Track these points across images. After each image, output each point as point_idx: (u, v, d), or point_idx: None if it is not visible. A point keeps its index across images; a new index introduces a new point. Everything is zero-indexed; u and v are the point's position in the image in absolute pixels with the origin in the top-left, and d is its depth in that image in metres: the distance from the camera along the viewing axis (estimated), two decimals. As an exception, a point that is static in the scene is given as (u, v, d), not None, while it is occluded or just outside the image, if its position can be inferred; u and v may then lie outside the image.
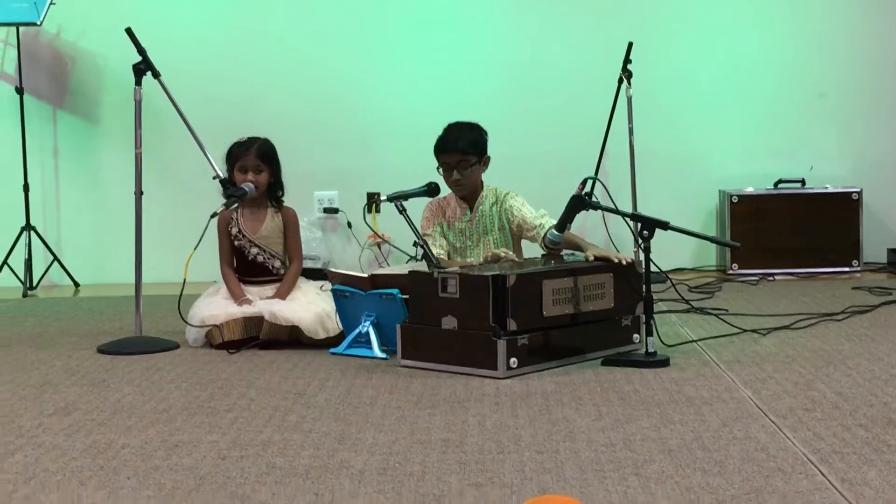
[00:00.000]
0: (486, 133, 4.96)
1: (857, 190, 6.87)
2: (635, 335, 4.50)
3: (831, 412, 3.46)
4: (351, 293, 4.64)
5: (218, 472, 2.98)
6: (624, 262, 4.45)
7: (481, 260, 4.80)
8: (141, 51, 5.03)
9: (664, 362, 4.21)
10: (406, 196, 4.85)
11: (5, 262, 6.82)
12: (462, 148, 4.85)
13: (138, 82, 4.98)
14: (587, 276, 4.36)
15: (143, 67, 5.00)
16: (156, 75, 5.05)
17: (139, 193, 4.95)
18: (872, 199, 6.99)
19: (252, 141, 5.05)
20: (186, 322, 4.85)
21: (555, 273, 4.29)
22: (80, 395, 3.94)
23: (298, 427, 3.43)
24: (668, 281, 5.33)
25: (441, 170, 4.91)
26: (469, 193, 4.94)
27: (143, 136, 5.01)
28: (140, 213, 4.95)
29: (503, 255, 4.69)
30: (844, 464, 2.92)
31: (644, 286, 4.28)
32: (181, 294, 4.74)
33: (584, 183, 4.50)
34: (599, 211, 4.64)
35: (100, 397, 3.91)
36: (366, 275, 4.70)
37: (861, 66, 7.16)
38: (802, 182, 6.99)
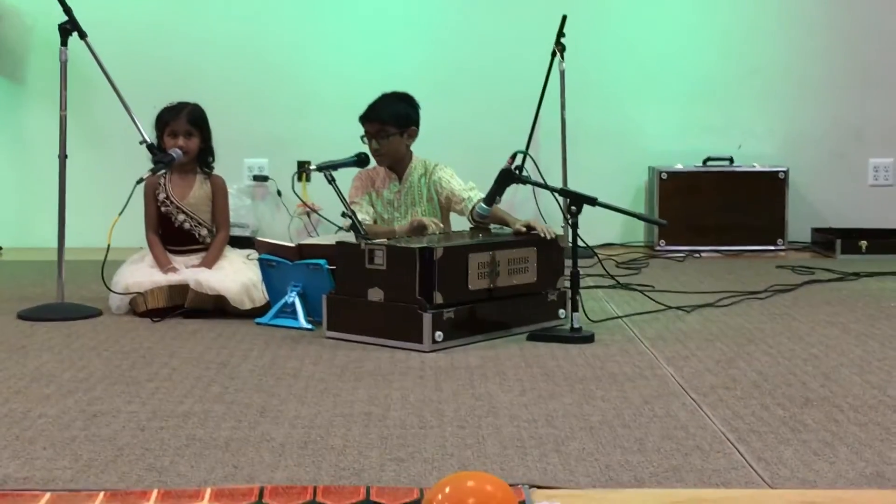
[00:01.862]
0: (415, 105, 4.94)
1: (784, 169, 6.95)
2: (561, 310, 4.52)
3: (751, 391, 3.50)
4: (278, 263, 4.61)
5: (136, 443, 2.95)
6: (548, 237, 4.47)
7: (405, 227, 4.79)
8: (67, 10, 4.94)
9: (589, 338, 4.23)
10: (335, 166, 4.84)
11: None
12: (382, 118, 4.84)
13: (64, 42, 4.88)
14: (511, 249, 4.36)
15: (70, 27, 4.92)
16: (82, 36, 4.96)
17: (63, 156, 4.87)
18: (799, 178, 7.08)
19: (182, 105, 4.99)
20: (110, 289, 4.79)
21: (480, 247, 4.29)
22: (-2, 362, 3.88)
23: (220, 398, 3.40)
24: (596, 256, 5.37)
25: (364, 138, 4.89)
26: (394, 164, 4.93)
27: (70, 99, 4.92)
28: (64, 176, 4.87)
29: (429, 223, 4.67)
30: (761, 443, 2.96)
31: (572, 261, 4.30)
32: (105, 260, 4.68)
33: (513, 157, 4.49)
34: (529, 185, 4.64)
35: (18, 364, 3.85)
36: (293, 244, 4.67)
37: (791, 46, 7.23)
38: (731, 160, 7.06)
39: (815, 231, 7.07)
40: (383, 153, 4.87)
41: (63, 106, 4.88)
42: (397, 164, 4.93)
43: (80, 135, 6.32)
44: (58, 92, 4.89)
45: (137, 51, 6.90)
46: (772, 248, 6.90)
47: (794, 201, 7.00)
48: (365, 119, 4.87)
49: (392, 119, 4.84)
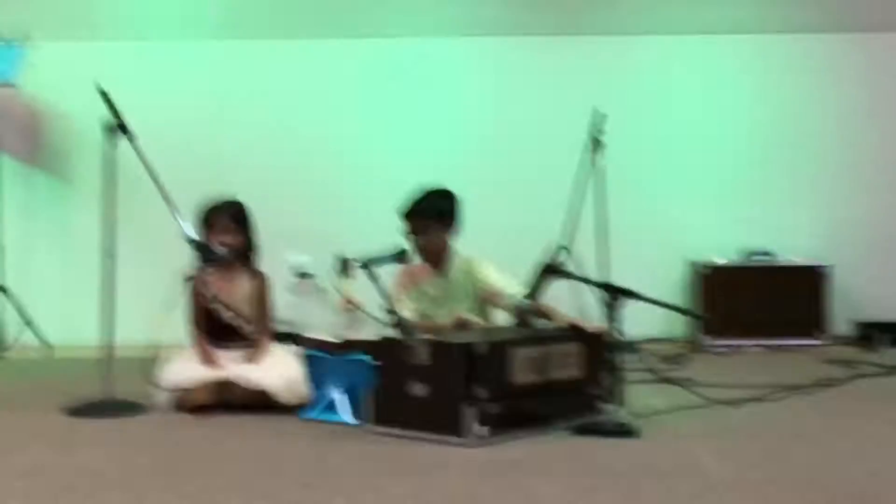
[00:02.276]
0: (457, 201, 4.98)
1: (826, 264, 6.92)
2: (605, 405, 4.50)
3: (798, 487, 3.46)
4: (322, 358, 4.63)
5: (183, 538, 2.96)
6: (593, 332, 4.47)
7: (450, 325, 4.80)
8: (115, 112, 5.04)
9: (633, 433, 4.21)
10: (377, 262, 4.86)
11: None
12: (426, 214, 4.88)
13: (111, 143, 4.98)
14: (556, 344, 4.37)
15: (117, 128, 5.01)
16: (129, 137, 5.05)
17: (110, 255, 4.94)
18: (842, 271, 7.05)
19: (226, 204, 5.06)
20: (157, 385, 4.82)
21: (525, 341, 4.30)
22: (46, 458, 3.91)
23: (266, 495, 3.41)
24: (638, 351, 5.35)
25: (407, 234, 4.93)
26: (436, 260, 4.95)
27: (116, 197, 5.00)
28: (111, 274, 4.93)
29: (471, 320, 4.69)
30: (810, 538, 2.93)
31: (614, 356, 4.29)
32: (152, 357, 4.71)
33: (555, 252, 4.52)
34: (569, 280, 4.66)
35: (66, 460, 3.88)
36: (337, 340, 4.69)
37: (832, 140, 7.25)
38: (771, 254, 7.03)
39: (858, 325, 7.02)
40: (428, 249, 4.91)
41: (110, 204, 4.96)
42: (440, 259, 4.96)
43: (127, 233, 6.37)
44: (104, 191, 4.97)
45: (181, 151, 7.00)
46: (816, 342, 6.83)
47: (836, 295, 6.96)
48: (409, 215, 4.91)
49: (434, 214, 4.89)
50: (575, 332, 4.48)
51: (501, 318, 5.06)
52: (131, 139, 5.07)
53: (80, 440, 4.23)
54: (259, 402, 4.72)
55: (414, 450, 4.00)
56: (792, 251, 7.09)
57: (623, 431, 4.20)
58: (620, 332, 4.27)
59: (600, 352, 4.50)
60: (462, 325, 4.68)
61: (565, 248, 4.99)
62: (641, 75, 7.29)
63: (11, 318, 6.93)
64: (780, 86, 7.27)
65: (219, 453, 3.98)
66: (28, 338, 7.02)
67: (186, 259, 5.08)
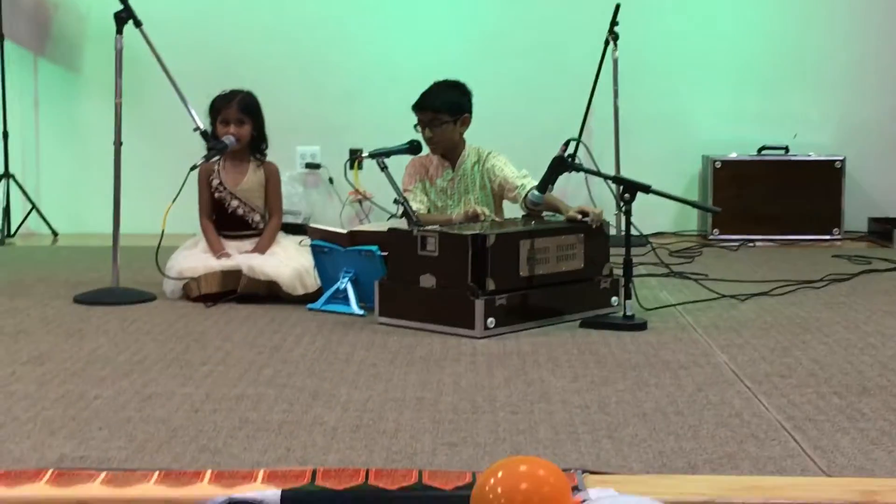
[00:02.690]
0: (468, 93, 4.93)
1: (840, 158, 6.86)
2: (614, 297, 4.49)
3: (806, 379, 3.46)
4: (330, 249, 4.62)
5: (190, 424, 2.97)
6: (594, 225, 4.44)
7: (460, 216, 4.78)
8: (124, 1, 4.97)
9: (642, 326, 4.21)
10: (388, 153, 4.83)
11: (-17, 209, 6.79)
12: (435, 106, 4.83)
13: (119, 31, 4.92)
14: (560, 236, 4.35)
15: (125, 16, 4.95)
16: (137, 24, 4.99)
17: (118, 143, 4.91)
18: (855, 167, 7.00)
19: (235, 93, 5.01)
20: (164, 274, 4.83)
21: (531, 233, 4.27)
22: (54, 345, 3.92)
23: (273, 382, 3.42)
24: (649, 244, 5.33)
25: (417, 127, 4.88)
26: (447, 152, 4.91)
27: (125, 87, 4.97)
28: (119, 163, 4.91)
29: (481, 212, 4.67)
30: (818, 431, 2.92)
31: (625, 249, 4.27)
32: (159, 245, 4.71)
33: (566, 144, 4.47)
34: (582, 173, 4.62)
35: (74, 347, 3.89)
36: (345, 231, 4.68)
37: (845, 35, 7.14)
38: (786, 149, 6.99)
39: (872, 220, 6.99)
40: (437, 141, 4.86)
41: (118, 94, 4.93)
42: (450, 151, 4.92)
43: (135, 123, 6.36)
44: (112, 80, 4.93)
45: (191, 40, 6.94)
46: (827, 237, 6.82)
47: (850, 190, 6.92)
48: (418, 107, 4.86)
49: (445, 107, 4.83)
50: (577, 225, 4.44)
51: (512, 211, 5.03)
52: (140, 27, 5.00)
53: (88, 327, 4.24)
54: (267, 292, 4.72)
55: (422, 341, 4.00)
56: (806, 146, 7.02)
57: (631, 325, 4.20)
58: (631, 225, 4.23)
59: (602, 244, 4.48)
60: (472, 216, 4.65)
61: (578, 140, 4.93)
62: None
63: (17, 204, 6.91)
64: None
65: (225, 342, 3.99)
66: (34, 225, 7.01)
67: (195, 149, 5.04)
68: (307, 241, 4.80)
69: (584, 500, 2.34)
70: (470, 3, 7.15)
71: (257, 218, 4.99)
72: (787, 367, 3.61)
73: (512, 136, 6.55)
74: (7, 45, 6.93)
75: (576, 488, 2.45)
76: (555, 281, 4.32)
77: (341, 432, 2.90)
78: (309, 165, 7.20)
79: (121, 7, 4.96)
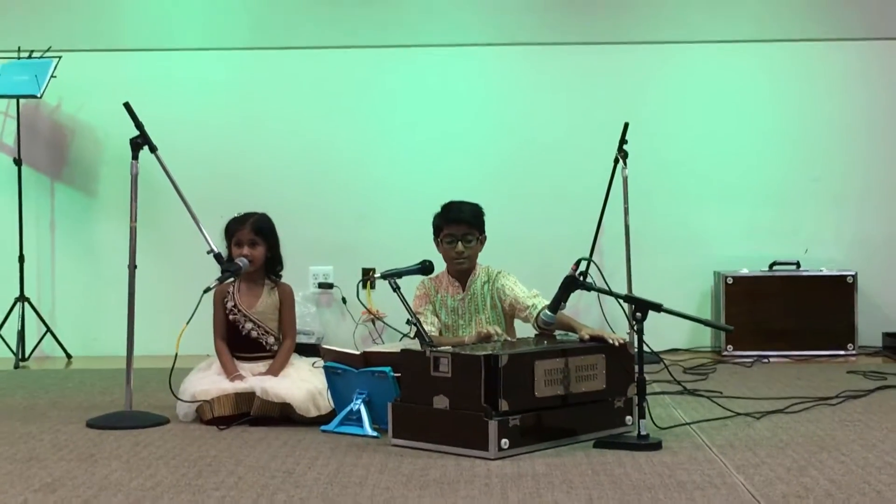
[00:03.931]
0: (484, 212, 4.98)
1: (852, 273, 6.88)
2: (628, 417, 4.47)
3: (824, 500, 3.43)
4: (343, 370, 4.62)
5: (203, 552, 2.94)
6: (616, 343, 4.44)
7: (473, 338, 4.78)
8: (138, 125, 5.06)
9: (657, 445, 4.18)
10: (400, 274, 4.85)
11: (-2, 332, 6.82)
12: (468, 220, 4.88)
13: (135, 156, 5.00)
14: (579, 356, 4.34)
15: (140, 141, 5.03)
16: (152, 149, 5.07)
17: (133, 266, 4.95)
18: (867, 282, 7.01)
19: (248, 216, 5.06)
20: (177, 397, 4.82)
21: (547, 353, 4.27)
22: (66, 471, 3.90)
23: (286, 507, 3.39)
24: (662, 362, 5.32)
25: (443, 241, 4.90)
26: (462, 271, 4.94)
27: (140, 210, 5.02)
28: (133, 286, 4.94)
29: (493, 333, 4.68)
30: (837, 553, 2.89)
31: (637, 368, 4.26)
32: (172, 368, 4.71)
33: (577, 263, 4.50)
34: (593, 292, 4.64)
35: (87, 473, 3.87)
36: (358, 352, 4.68)
37: (857, 151, 7.22)
38: (797, 265, 7.01)
39: (886, 335, 6.97)
40: (468, 255, 4.89)
41: (133, 217, 4.98)
42: (464, 271, 4.94)
43: (150, 245, 6.42)
44: (128, 204, 4.99)
45: (205, 164, 7.05)
46: (842, 353, 6.80)
47: (863, 305, 6.92)
48: (452, 221, 4.89)
49: (476, 222, 4.89)
50: (597, 344, 4.44)
51: (524, 330, 5.03)
52: (155, 151, 5.08)
53: (101, 452, 4.22)
54: (280, 414, 4.71)
55: (436, 463, 3.98)
56: (818, 262, 7.04)
57: (646, 445, 4.17)
58: (644, 344, 4.23)
59: (623, 364, 4.47)
60: (485, 337, 4.66)
61: (589, 259, 4.96)
62: (664, 83, 7.26)
63: (32, 328, 6.95)
64: (805, 94, 7.22)
65: (238, 465, 3.96)
66: (48, 348, 7.03)
67: (209, 271, 5.07)
68: (320, 362, 4.80)
69: None
70: (480, 127, 7.24)
71: (272, 340, 5.00)
72: (804, 488, 3.58)
73: (523, 255, 6.61)
74: (25, 169, 7.03)
75: None
76: (574, 402, 4.31)
77: (355, 559, 2.87)
78: (322, 285, 7.23)
79: (136, 133, 5.04)
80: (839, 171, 7.22)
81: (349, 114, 7.26)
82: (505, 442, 4.05)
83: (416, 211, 5.22)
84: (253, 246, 4.99)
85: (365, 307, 5.94)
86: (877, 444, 4.26)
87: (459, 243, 4.87)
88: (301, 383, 4.78)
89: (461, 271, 4.94)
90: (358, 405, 4.54)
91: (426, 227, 4.99)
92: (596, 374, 4.38)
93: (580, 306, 6.66)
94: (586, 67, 7.24)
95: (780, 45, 7.23)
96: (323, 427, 4.59)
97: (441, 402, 4.18)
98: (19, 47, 6.99)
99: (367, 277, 6.57)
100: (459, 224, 4.88)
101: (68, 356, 7.02)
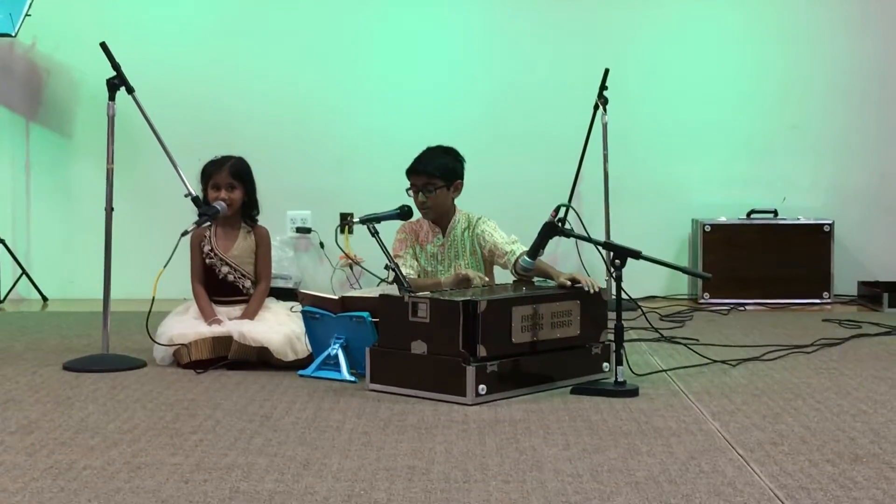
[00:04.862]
0: (461, 159, 4.95)
1: (829, 222, 6.90)
2: (605, 363, 4.49)
3: (799, 447, 3.46)
4: (321, 315, 4.62)
5: (180, 495, 2.95)
6: (592, 290, 4.44)
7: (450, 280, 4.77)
8: (115, 65, 5.01)
9: (633, 392, 4.20)
10: (378, 218, 4.84)
11: (-27, 274, 6.79)
12: (429, 171, 4.85)
13: (112, 97, 4.95)
14: (555, 302, 4.35)
15: (117, 82, 4.99)
16: (129, 91, 5.03)
17: (109, 209, 4.92)
18: (844, 231, 7.03)
19: (225, 159, 5.03)
20: (154, 340, 4.81)
21: (524, 299, 4.27)
22: (43, 413, 3.90)
23: (263, 451, 3.40)
24: (639, 309, 5.34)
25: (410, 191, 4.90)
26: (439, 217, 4.93)
27: (116, 152, 4.98)
28: (110, 229, 4.91)
29: (472, 276, 4.67)
30: (811, 500, 2.91)
31: (615, 314, 4.28)
32: (149, 312, 4.70)
33: (556, 210, 4.49)
34: (572, 238, 4.64)
35: (63, 416, 3.87)
36: (336, 297, 4.68)
37: (835, 100, 7.21)
38: (775, 213, 7.03)
39: (862, 284, 7.01)
40: (429, 206, 4.88)
41: (110, 159, 4.94)
42: (441, 217, 4.93)
43: (126, 188, 6.38)
44: (104, 146, 4.95)
45: (183, 106, 6.98)
46: (817, 301, 6.84)
47: (839, 254, 6.95)
48: (411, 172, 4.88)
49: (439, 172, 4.85)
50: (573, 291, 4.45)
51: (503, 276, 5.04)
52: (132, 93, 5.03)
53: (78, 395, 4.22)
54: (257, 358, 4.71)
55: (413, 408, 3.99)
56: (795, 210, 7.06)
57: (623, 391, 4.19)
58: (622, 291, 4.24)
59: (599, 310, 4.48)
60: (463, 281, 4.65)
61: (568, 205, 4.95)
62: (647, 31, 7.23)
63: (7, 270, 6.91)
64: (784, 42, 7.20)
65: (216, 409, 3.97)
66: (24, 290, 7.00)
67: (186, 214, 5.05)
68: (298, 306, 4.80)
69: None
70: (460, 71, 7.20)
71: (248, 284, 4.99)
72: (778, 435, 3.61)
73: (502, 201, 6.59)
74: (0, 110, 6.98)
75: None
76: (549, 348, 4.32)
77: (333, 502, 2.88)
78: (299, 230, 7.21)
79: (113, 74, 4.99)
80: (817, 119, 7.21)
81: (329, 58, 7.20)
82: (482, 388, 4.06)
83: (395, 156, 5.19)
84: (230, 189, 4.96)
85: (343, 252, 5.92)
86: (851, 391, 4.30)
87: (420, 194, 4.85)
88: (279, 327, 4.78)
89: (435, 219, 4.92)
90: (336, 350, 4.54)
91: (405, 171, 4.96)
92: (571, 321, 4.39)
93: (558, 253, 6.67)
94: (567, 14, 7.19)
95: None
96: (300, 371, 4.60)
97: (419, 347, 4.19)
98: (-7, -15, 6.90)
99: (346, 222, 6.54)
100: (419, 174, 4.86)
101: (44, 299, 6.99)
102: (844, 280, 7.00)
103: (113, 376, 4.57)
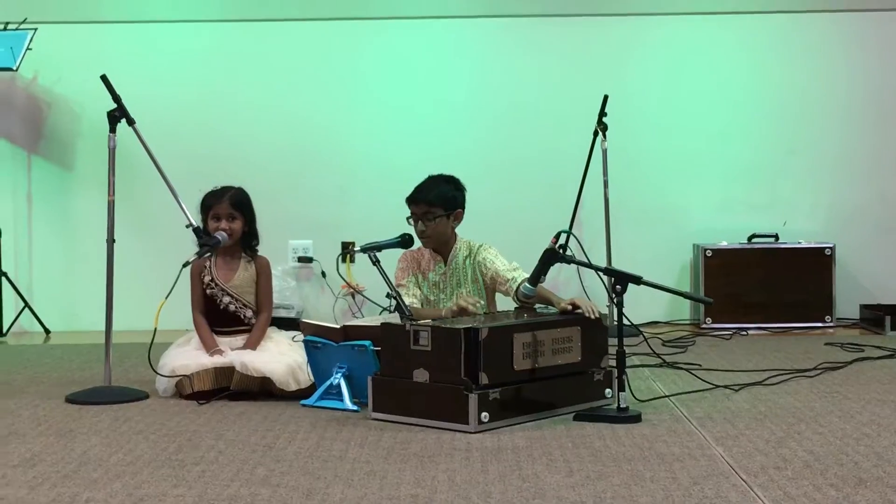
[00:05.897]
0: (462, 188, 4.95)
1: (830, 245, 6.91)
2: (607, 390, 4.49)
3: (802, 471, 3.45)
4: (323, 344, 4.62)
5: (183, 527, 2.94)
6: (592, 316, 4.44)
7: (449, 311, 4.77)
8: (115, 97, 5.02)
9: (636, 418, 4.20)
10: (380, 247, 4.84)
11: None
12: (429, 200, 4.85)
13: (112, 129, 4.97)
14: (555, 329, 4.35)
15: (118, 114, 4.99)
16: (130, 122, 5.04)
17: (111, 241, 4.92)
18: (845, 254, 7.04)
19: (226, 189, 5.04)
20: (157, 372, 4.81)
21: (525, 326, 4.27)
22: (45, 446, 3.89)
23: (267, 481, 3.39)
24: (641, 335, 5.34)
25: (410, 220, 4.91)
26: (439, 246, 4.93)
27: (117, 184, 4.99)
28: (112, 260, 4.92)
29: (469, 305, 4.64)
30: (815, 525, 2.91)
31: (617, 340, 4.27)
32: (151, 343, 4.70)
33: (557, 236, 4.50)
34: (573, 265, 4.64)
35: (66, 448, 3.86)
36: (338, 326, 4.68)
37: (833, 122, 7.24)
38: (776, 237, 7.03)
39: (864, 307, 7.01)
40: (429, 235, 4.88)
41: (111, 191, 4.95)
42: (442, 245, 4.94)
43: (128, 219, 6.39)
44: (106, 177, 4.96)
45: (184, 137, 7.02)
46: (820, 325, 6.83)
47: (841, 277, 6.95)
48: (411, 201, 4.89)
49: (439, 201, 4.85)
50: (574, 317, 4.45)
51: (505, 303, 5.03)
52: (132, 124, 5.05)
53: (81, 427, 4.21)
54: (260, 389, 4.70)
55: (416, 436, 3.98)
56: (796, 234, 7.07)
57: (625, 417, 4.18)
58: (624, 317, 4.24)
59: (600, 336, 4.48)
60: (462, 310, 4.65)
61: (568, 232, 4.96)
62: (646, 56, 7.26)
63: (10, 302, 6.91)
64: (784, 67, 7.23)
65: (218, 440, 3.96)
66: (26, 323, 7.01)
67: (187, 245, 5.05)
68: (300, 336, 4.80)
69: None
70: (458, 100, 7.23)
71: (249, 314, 4.99)
72: (782, 459, 3.60)
73: (503, 227, 6.61)
74: (1, 143, 6.98)
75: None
76: (551, 374, 4.32)
77: (335, 533, 2.88)
78: (301, 259, 7.22)
79: (114, 106, 5.00)
80: (816, 142, 7.24)
81: (329, 86, 7.23)
82: (485, 415, 4.06)
83: (395, 184, 5.20)
84: (231, 220, 4.97)
85: (345, 281, 5.94)
86: (854, 415, 4.29)
87: (420, 222, 4.86)
88: (281, 357, 4.78)
89: (435, 247, 4.93)
90: (338, 379, 4.53)
91: (405, 201, 4.97)
92: (572, 347, 4.39)
93: (560, 279, 6.67)
94: (565, 40, 7.23)
95: (757, 17, 7.23)
96: (303, 401, 4.59)
97: (421, 375, 4.18)
98: (-6, 19, 6.94)
99: (347, 251, 6.56)
100: (419, 203, 4.87)
101: (46, 331, 6.99)
102: (846, 303, 7.01)
103: (115, 408, 4.57)
